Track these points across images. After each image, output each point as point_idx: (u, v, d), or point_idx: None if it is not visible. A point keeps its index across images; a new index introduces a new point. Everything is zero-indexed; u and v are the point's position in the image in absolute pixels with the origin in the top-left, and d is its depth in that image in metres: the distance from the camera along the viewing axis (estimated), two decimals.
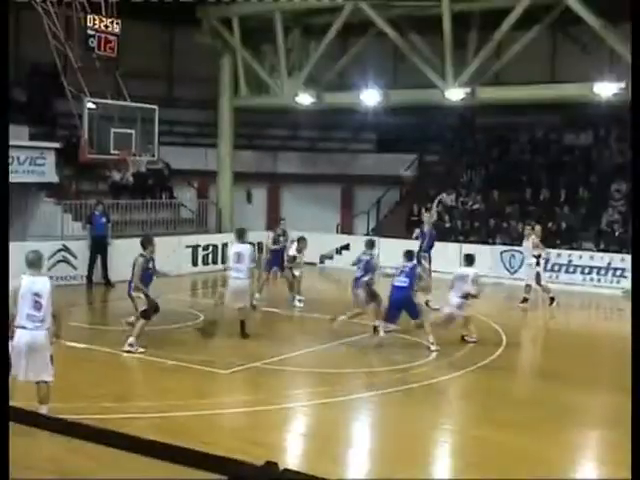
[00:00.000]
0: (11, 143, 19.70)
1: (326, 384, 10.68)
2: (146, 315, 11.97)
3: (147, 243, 12.41)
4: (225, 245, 22.57)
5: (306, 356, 12.42)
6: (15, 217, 20.68)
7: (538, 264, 16.98)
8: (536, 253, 17.04)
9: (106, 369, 11.57)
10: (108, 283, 18.76)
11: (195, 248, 22.08)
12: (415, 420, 9.34)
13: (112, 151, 16.97)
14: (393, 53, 25.72)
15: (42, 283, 8.28)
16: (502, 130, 27.14)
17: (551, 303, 17.11)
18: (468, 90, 20.42)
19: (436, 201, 18.90)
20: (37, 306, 8.11)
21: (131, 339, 11.86)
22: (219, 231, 24.51)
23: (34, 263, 8.39)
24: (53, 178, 20.52)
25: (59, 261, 18.82)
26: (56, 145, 20.80)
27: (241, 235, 13.92)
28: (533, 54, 21.87)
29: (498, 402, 10.06)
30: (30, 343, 8.07)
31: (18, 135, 20.80)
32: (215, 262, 21.76)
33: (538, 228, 17.76)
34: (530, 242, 17.30)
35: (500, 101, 22.23)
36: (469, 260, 13.58)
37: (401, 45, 21.81)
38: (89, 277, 19.07)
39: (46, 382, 8.28)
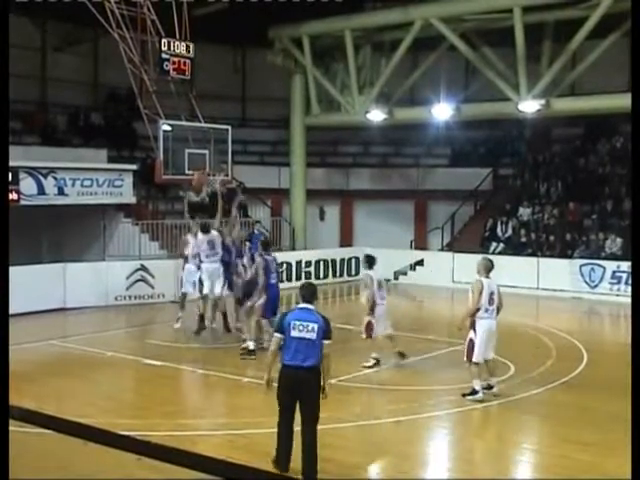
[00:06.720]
0: (90, 165, 20.44)
1: (403, 401, 10.54)
2: None
3: None
4: (299, 262, 22.66)
5: (385, 373, 12.29)
6: (94, 237, 21.28)
7: None
8: None
9: (182, 386, 11.70)
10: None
11: None
12: (494, 439, 9.11)
13: (186, 172, 17.21)
14: (465, 67, 25.51)
15: None
16: (579, 141, 26.50)
17: None
18: (543, 102, 20.06)
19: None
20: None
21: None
22: (293, 248, 24.64)
23: None
24: (130, 199, 20.98)
25: (137, 280, 19.20)
26: (133, 167, 21.29)
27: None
28: (610, 63, 21.31)
29: (581, 420, 9.71)
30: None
31: (97, 158, 21.43)
32: (289, 279, 21.79)
33: None
34: None
35: (576, 112, 21.75)
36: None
37: (473, 59, 21.60)
38: None
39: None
